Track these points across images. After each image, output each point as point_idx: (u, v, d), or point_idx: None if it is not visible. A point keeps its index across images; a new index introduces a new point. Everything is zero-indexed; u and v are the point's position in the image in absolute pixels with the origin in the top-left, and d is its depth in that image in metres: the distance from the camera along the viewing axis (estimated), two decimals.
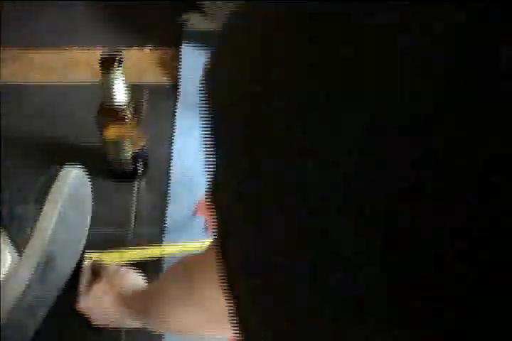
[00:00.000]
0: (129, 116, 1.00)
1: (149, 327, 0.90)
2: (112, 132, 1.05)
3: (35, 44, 1.38)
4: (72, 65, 1.35)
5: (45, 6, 1.41)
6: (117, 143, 1.06)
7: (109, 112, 1.00)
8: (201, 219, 1.09)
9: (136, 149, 1.09)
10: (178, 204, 1.11)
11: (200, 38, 1.38)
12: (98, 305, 0.93)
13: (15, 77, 1.32)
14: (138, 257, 1.03)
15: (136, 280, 0.95)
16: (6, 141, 1.14)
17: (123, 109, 0.99)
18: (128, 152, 1.08)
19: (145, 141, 1.10)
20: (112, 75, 0.94)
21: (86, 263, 1.00)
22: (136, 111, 1.03)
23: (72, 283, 0.98)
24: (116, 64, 0.95)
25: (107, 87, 0.97)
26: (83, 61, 1.35)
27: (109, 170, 1.12)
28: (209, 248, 0.69)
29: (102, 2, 1.44)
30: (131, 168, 1.12)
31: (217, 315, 0.64)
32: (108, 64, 0.95)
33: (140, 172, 1.13)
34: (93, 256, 1.02)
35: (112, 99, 0.97)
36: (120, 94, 0.97)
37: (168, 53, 1.39)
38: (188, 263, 0.76)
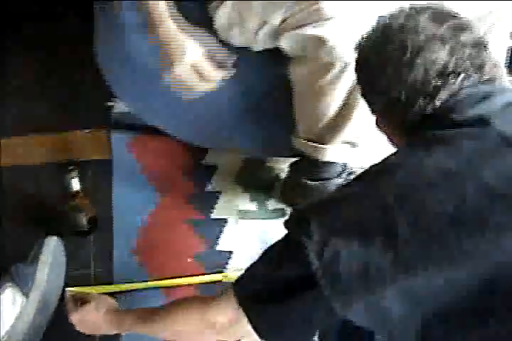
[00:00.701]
0: (82, 198, 1.58)
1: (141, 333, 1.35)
2: (71, 207, 1.62)
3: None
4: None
5: None
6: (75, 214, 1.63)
7: (68, 197, 1.57)
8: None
9: (89, 215, 1.65)
10: (119, 250, 1.68)
11: (124, 118, 1.91)
12: (90, 318, 1.42)
13: None
14: (106, 291, 1.58)
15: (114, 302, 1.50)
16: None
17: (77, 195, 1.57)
18: (83, 218, 1.65)
19: (94, 210, 1.67)
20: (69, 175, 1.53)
21: (67, 294, 1.54)
22: (86, 193, 1.59)
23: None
24: (73, 168, 1.53)
25: (66, 182, 1.55)
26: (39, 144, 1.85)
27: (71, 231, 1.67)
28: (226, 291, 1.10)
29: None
30: (86, 228, 1.68)
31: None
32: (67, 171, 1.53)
33: (92, 229, 1.69)
34: (71, 290, 1.55)
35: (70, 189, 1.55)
36: (76, 187, 1.54)
37: (102, 134, 1.92)
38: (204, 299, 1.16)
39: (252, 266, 1.10)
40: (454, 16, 1.10)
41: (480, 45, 1.07)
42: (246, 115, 1.65)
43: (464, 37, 1.05)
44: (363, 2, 1.41)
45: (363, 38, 1.17)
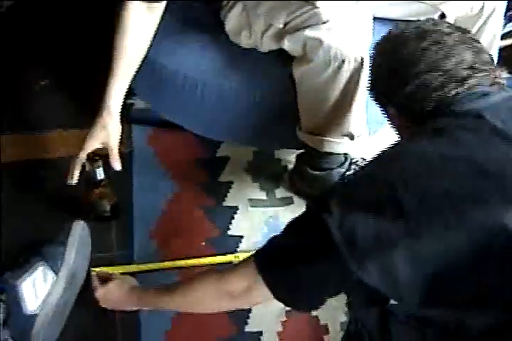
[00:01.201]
0: (105, 186, 1.71)
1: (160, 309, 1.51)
2: (96, 195, 1.75)
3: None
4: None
5: None
6: (100, 201, 1.76)
7: (93, 185, 1.70)
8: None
9: (111, 202, 1.78)
10: (139, 234, 1.82)
11: (144, 114, 2.05)
12: (113, 294, 1.58)
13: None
14: (127, 271, 1.73)
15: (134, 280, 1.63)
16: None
17: (101, 184, 1.70)
18: (106, 205, 1.79)
19: (115, 198, 1.79)
20: (95, 165, 1.63)
21: (93, 273, 1.69)
22: (109, 182, 1.71)
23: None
24: (98, 159, 1.63)
25: (92, 172, 1.65)
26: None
27: (95, 217, 1.81)
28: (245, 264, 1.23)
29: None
30: (109, 213, 1.82)
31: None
32: (92, 161, 1.63)
33: (114, 215, 1.82)
34: (96, 270, 1.71)
35: (95, 178, 1.67)
36: (100, 176, 1.67)
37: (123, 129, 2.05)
38: (223, 270, 1.30)
39: (272, 238, 1.23)
40: (468, 31, 1.29)
41: (490, 54, 1.25)
42: (254, 110, 1.77)
43: (481, 46, 1.23)
44: (355, 7, 1.55)
45: (382, 39, 1.31)
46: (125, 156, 1.94)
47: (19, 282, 1.54)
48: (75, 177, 1.61)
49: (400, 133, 1.34)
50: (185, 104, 1.81)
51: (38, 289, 1.57)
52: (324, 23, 1.50)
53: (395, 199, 1.05)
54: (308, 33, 1.53)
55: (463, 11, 1.67)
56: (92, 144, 1.60)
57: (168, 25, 1.77)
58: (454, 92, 1.17)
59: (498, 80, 1.21)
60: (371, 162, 1.19)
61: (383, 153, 1.17)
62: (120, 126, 1.62)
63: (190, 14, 1.84)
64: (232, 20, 1.71)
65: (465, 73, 1.18)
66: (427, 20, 1.30)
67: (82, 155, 1.60)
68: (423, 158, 1.09)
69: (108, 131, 1.61)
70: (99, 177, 1.69)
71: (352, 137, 1.69)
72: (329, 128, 1.67)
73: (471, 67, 1.18)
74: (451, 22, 1.68)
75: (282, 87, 1.70)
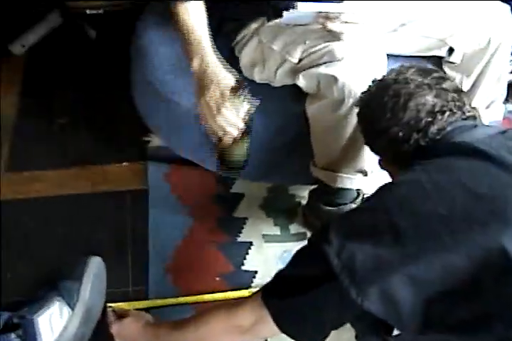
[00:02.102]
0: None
1: None
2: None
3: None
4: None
5: None
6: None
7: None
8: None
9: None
10: (154, 269, 1.84)
11: (160, 152, 2.08)
12: (129, 330, 1.59)
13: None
14: (142, 306, 1.74)
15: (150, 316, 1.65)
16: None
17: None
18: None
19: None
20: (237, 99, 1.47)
21: (108, 309, 1.71)
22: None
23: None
24: (241, 91, 1.49)
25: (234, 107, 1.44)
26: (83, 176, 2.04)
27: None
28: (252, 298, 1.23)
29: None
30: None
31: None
32: (234, 90, 1.48)
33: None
34: (111, 305, 1.72)
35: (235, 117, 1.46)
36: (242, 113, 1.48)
37: (140, 166, 2.10)
38: (232, 304, 1.31)
39: (277, 271, 1.26)
40: (436, 71, 1.35)
41: (459, 91, 1.31)
42: (268, 147, 1.79)
43: (446, 85, 1.29)
44: (369, 45, 1.58)
45: (363, 92, 1.40)
46: (141, 193, 1.99)
47: (36, 317, 1.56)
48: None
49: (392, 177, 1.41)
50: (200, 142, 1.83)
51: (54, 324, 1.59)
52: (339, 60, 1.52)
53: (391, 225, 1.08)
54: (323, 70, 1.55)
55: (470, 45, 1.70)
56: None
57: (183, 63, 1.81)
58: (422, 142, 1.24)
59: (470, 114, 1.28)
60: (369, 197, 1.23)
61: (380, 187, 1.21)
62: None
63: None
64: (247, 55, 1.75)
65: (424, 121, 1.24)
66: (392, 71, 1.37)
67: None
68: (418, 186, 1.13)
69: None
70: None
71: (365, 173, 1.70)
72: (343, 164, 1.68)
73: (431, 112, 1.24)
74: (460, 57, 1.72)
75: (295, 123, 1.73)
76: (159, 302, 1.75)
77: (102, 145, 2.18)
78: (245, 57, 1.75)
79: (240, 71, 1.76)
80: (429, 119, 1.24)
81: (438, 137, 1.23)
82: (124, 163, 2.12)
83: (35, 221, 1.95)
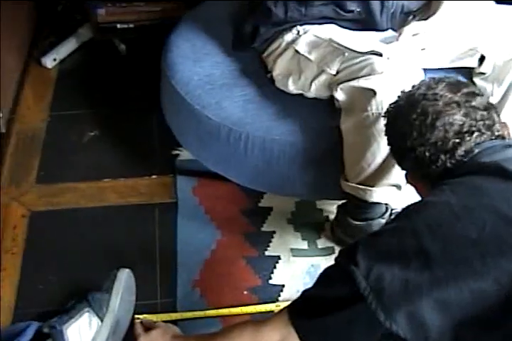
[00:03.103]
0: None
1: None
2: None
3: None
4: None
5: None
6: None
7: None
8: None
9: None
10: (183, 282, 1.84)
11: (189, 165, 2.10)
12: None
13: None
14: (170, 318, 1.75)
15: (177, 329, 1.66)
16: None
17: None
18: None
19: None
20: None
21: (136, 321, 1.72)
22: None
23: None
24: None
25: None
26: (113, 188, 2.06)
27: None
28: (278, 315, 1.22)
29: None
30: None
31: None
32: None
33: None
34: (139, 317, 1.73)
35: None
36: None
37: (169, 179, 2.11)
38: (259, 322, 1.28)
39: (304, 290, 1.25)
40: (466, 85, 1.30)
41: (490, 108, 1.26)
42: (297, 162, 1.80)
43: (476, 102, 1.24)
44: (407, 59, 1.58)
45: (390, 106, 1.37)
46: (170, 205, 1.99)
47: (65, 327, 1.59)
48: None
49: (420, 195, 1.39)
50: (229, 155, 1.86)
51: (83, 335, 1.61)
52: (379, 74, 1.52)
53: (420, 248, 1.07)
54: (362, 83, 1.55)
55: (501, 54, 1.69)
56: None
57: (214, 79, 1.83)
58: (449, 164, 1.22)
59: (499, 133, 1.25)
60: (396, 216, 1.22)
61: (408, 207, 1.20)
62: None
63: (236, 65, 1.91)
64: (282, 65, 1.76)
65: (452, 143, 1.22)
66: (422, 84, 1.32)
67: None
68: (447, 208, 1.12)
69: None
70: None
71: (399, 187, 1.70)
72: (377, 179, 1.68)
73: (459, 133, 1.21)
74: (490, 66, 1.72)
75: (325, 139, 1.74)
76: (187, 314, 1.76)
77: (131, 158, 2.20)
78: (279, 67, 1.76)
79: (270, 85, 1.78)
80: (457, 140, 1.22)
81: (465, 159, 1.21)
82: (153, 176, 2.14)
83: (66, 232, 1.98)
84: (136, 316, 1.73)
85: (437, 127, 1.22)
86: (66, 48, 2.64)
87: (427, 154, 1.24)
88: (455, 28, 1.71)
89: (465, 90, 1.28)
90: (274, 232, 1.97)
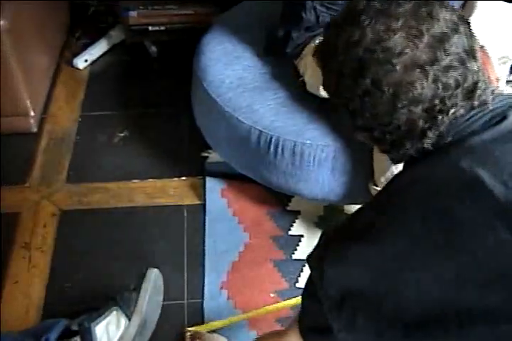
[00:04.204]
0: None
1: None
2: None
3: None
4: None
5: None
6: None
7: None
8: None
9: None
10: (210, 284, 1.86)
11: (218, 167, 2.11)
12: None
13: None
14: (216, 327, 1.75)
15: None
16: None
17: None
18: None
19: None
20: None
21: (187, 334, 1.72)
22: None
23: None
24: None
25: None
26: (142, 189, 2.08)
27: None
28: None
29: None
30: None
31: None
32: None
33: None
34: (189, 330, 1.73)
35: None
36: None
37: (198, 181, 2.13)
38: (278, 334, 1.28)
39: (302, 301, 1.19)
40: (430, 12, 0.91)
41: (468, 53, 0.91)
42: (327, 166, 1.81)
43: (450, 50, 0.89)
44: None
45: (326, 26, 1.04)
46: (198, 207, 2.00)
47: (93, 325, 1.60)
48: None
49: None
50: (259, 159, 1.87)
51: (111, 333, 1.63)
52: None
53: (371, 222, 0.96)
54: None
55: None
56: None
57: (246, 82, 1.85)
58: (412, 151, 0.96)
59: (482, 99, 0.94)
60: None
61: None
62: None
63: (268, 68, 1.92)
64: (313, 70, 1.75)
65: (420, 129, 0.93)
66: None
67: None
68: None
69: None
70: None
71: None
72: None
73: (428, 113, 0.91)
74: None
75: (356, 143, 1.73)
76: (235, 318, 1.77)
77: (160, 159, 2.22)
78: (311, 72, 1.76)
79: (302, 89, 1.79)
80: (426, 126, 0.92)
81: (432, 148, 0.94)
82: (182, 178, 2.15)
83: (95, 231, 2.00)
84: (187, 328, 1.74)
85: (398, 108, 0.91)
86: (97, 50, 2.67)
87: (388, 137, 0.95)
88: (485, 35, 1.70)
89: (429, 26, 0.89)
90: (301, 236, 1.98)
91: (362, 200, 1.81)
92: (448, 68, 0.89)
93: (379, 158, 1.70)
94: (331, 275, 0.98)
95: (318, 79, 1.78)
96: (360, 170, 1.77)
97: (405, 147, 0.96)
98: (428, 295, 0.89)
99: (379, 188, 1.73)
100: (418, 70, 0.89)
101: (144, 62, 2.65)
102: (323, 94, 1.75)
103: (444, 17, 0.91)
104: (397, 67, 0.88)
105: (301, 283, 1.85)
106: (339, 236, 1.04)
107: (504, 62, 1.75)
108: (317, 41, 1.77)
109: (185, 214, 2.02)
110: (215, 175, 2.13)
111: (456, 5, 1.75)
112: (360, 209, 1.07)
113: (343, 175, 1.81)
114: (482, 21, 1.66)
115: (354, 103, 0.94)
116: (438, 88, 0.89)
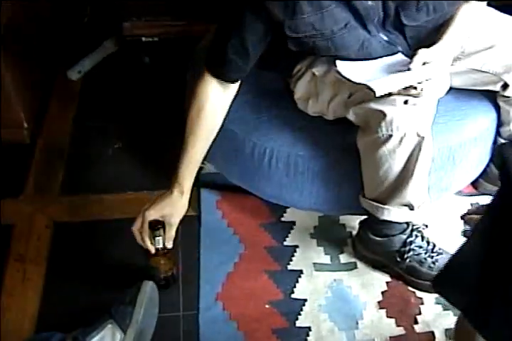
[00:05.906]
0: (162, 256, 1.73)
1: None
2: (151, 263, 1.77)
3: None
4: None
5: None
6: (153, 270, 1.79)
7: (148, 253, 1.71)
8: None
9: (166, 273, 1.81)
10: (205, 295, 1.86)
11: (212, 178, 2.11)
12: None
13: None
14: None
15: None
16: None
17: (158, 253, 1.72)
18: (160, 275, 1.81)
19: (173, 266, 1.81)
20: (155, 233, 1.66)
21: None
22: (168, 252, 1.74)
23: None
24: (160, 227, 1.66)
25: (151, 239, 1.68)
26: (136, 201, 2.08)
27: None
28: None
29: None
30: (162, 282, 1.82)
31: None
32: (153, 229, 1.65)
33: (166, 286, 1.83)
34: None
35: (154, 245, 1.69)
36: (159, 244, 1.70)
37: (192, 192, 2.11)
38: None
39: None
40: None
41: None
42: (320, 177, 1.82)
43: None
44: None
45: None
46: (193, 218, 1.99)
47: (88, 339, 1.59)
48: (149, 246, 1.68)
49: None
50: (253, 170, 1.87)
51: None
52: (381, 96, 1.52)
53: None
54: (373, 105, 1.56)
55: None
56: (154, 216, 1.65)
57: (240, 93, 1.84)
58: None
59: None
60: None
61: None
62: (187, 207, 1.67)
63: (261, 82, 1.91)
64: (301, 88, 1.78)
65: None
66: None
67: (145, 226, 1.64)
68: None
69: (174, 209, 1.66)
70: (157, 246, 1.72)
71: (411, 207, 1.71)
72: (389, 197, 1.69)
73: None
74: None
75: (348, 155, 1.74)
76: None
77: (155, 171, 2.22)
78: (300, 90, 1.78)
79: (294, 104, 1.79)
80: None
81: None
82: None
83: (89, 243, 1.99)
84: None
85: None
86: (91, 61, 2.67)
87: None
88: (482, 50, 1.71)
89: None
90: (296, 247, 1.98)
91: (355, 211, 1.83)
92: None
93: (365, 171, 1.71)
94: None
95: (306, 97, 1.80)
96: (353, 181, 1.77)
97: None
98: None
99: (367, 200, 1.74)
100: None
101: (138, 73, 2.64)
102: (311, 112, 1.77)
103: None
104: None
105: (297, 293, 1.86)
106: None
107: (495, 82, 1.75)
108: (305, 60, 1.77)
109: (180, 225, 2.00)
110: (209, 186, 2.13)
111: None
112: None
113: (337, 186, 1.81)
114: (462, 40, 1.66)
115: None
116: None
